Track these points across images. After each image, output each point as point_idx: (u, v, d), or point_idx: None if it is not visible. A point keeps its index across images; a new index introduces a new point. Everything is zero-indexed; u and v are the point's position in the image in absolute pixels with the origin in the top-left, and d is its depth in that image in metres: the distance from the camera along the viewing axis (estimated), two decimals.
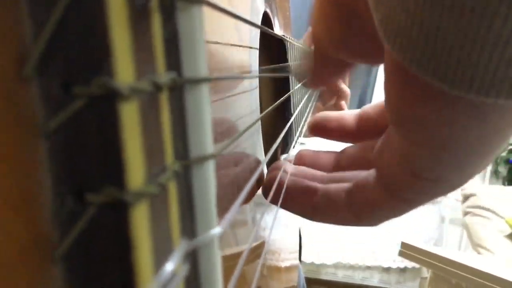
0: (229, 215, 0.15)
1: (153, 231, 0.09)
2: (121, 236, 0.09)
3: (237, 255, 0.24)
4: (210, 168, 0.12)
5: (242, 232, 0.27)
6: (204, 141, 0.12)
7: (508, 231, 1.28)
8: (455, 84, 0.13)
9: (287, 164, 0.27)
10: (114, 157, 0.08)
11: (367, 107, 0.26)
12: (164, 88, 0.09)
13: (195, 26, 0.11)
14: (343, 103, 0.88)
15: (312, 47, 0.23)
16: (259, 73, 0.36)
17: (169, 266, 0.10)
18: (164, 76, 0.09)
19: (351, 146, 0.27)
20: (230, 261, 0.22)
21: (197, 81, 0.11)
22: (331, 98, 0.90)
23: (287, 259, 0.45)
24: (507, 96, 0.12)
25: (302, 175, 0.26)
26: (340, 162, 0.27)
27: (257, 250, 0.30)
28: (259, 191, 0.31)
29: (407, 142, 0.17)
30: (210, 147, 0.12)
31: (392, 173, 0.19)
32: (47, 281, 0.09)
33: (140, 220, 0.09)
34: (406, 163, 0.18)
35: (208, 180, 0.12)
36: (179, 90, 0.11)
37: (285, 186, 0.25)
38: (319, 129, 0.28)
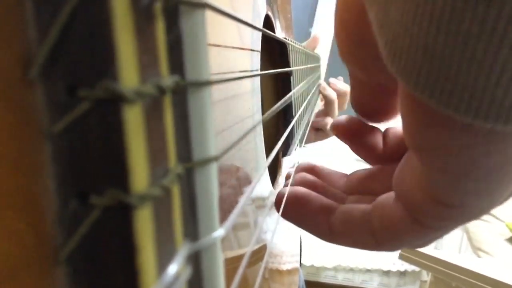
0: (232, 218, 0.15)
1: (156, 233, 0.09)
2: (125, 238, 0.09)
3: (239, 258, 0.24)
4: (213, 170, 0.12)
5: (244, 235, 0.27)
6: (207, 144, 0.12)
7: (508, 234, 1.28)
8: (461, 110, 0.12)
9: (303, 176, 0.26)
10: (118, 160, 0.08)
11: (394, 126, 0.25)
12: (167, 91, 0.09)
13: (198, 30, 0.11)
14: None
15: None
16: (261, 76, 0.36)
17: (173, 268, 0.10)
18: (167, 79, 0.09)
19: (361, 170, 0.25)
20: (232, 264, 0.22)
21: (200, 84, 0.11)
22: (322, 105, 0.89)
23: (289, 262, 0.45)
24: None
25: (320, 190, 0.24)
26: (350, 182, 0.25)
27: (259, 253, 0.30)
28: (260, 193, 0.31)
29: (427, 169, 0.16)
30: (212, 149, 0.12)
31: (414, 199, 0.18)
32: (51, 283, 0.09)
33: (144, 223, 0.09)
34: (427, 189, 0.17)
35: (210, 183, 0.12)
36: (182, 93, 0.11)
37: (299, 201, 0.23)
38: (348, 136, 0.25)
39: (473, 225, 1.33)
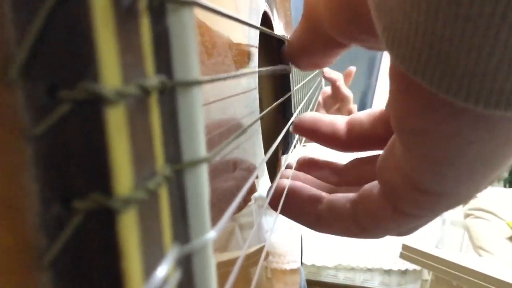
0: (224, 220, 0.15)
1: (142, 237, 0.09)
2: (108, 243, 0.09)
3: (244, 258, 0.24)
4: (203, 171, 0.12)
5: (249, 234, 0.27)
6: (197, 144, 0.12)
7: (509, 233, 1.27)
8: (461, 95, 0.12)
9: (294, 173, 0.26)
10: (100, 162, 0.08)
11: (360, 114, 0.25)
12: (152, 91, 0.09)
13: (186, 28, 0.10)
14: (353, 107, 0.87)
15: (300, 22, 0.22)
16: (259, 74, 0.36)
17: (161, 272, 0.10)
18: (152, 79, 0.09)
19: (357, 159, 0.26)
20: (234, 263, 0.22)
21: (188, 84, 0.11)
22: (335, 103, 0.90)
23: (292, 261, 0.45)
24: None
25: (307, 182, 0.25)
26: (345, 174, 0.26)
27: (261, 252, 0.29)
28: (261, 192, 0.31)
29: (409, 154, 0.16)
30: (203, 150, 0.12)
31: (395, 186, 0.18)
32: None
33: (128, 227, 0.09)
34: (408, 176, 0.17)
35: (201, 184, 0.12)
36: (170, 92, 0.11)
37: (289, 193, 0.24)
38: (308, 130, 0.26)
39: (474, 224, 1.33)
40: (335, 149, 0.26)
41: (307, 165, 0.27)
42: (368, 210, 0.20)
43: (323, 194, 0.23)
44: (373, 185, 0.21)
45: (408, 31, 0.12)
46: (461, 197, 0.17)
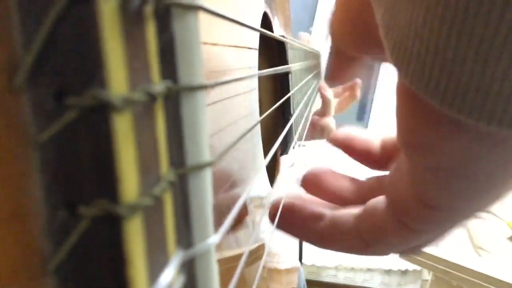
0: (227, 223, 0.15)
1: (147, 243, 0.09)
2: (114, 249, 0.09)
3: (237, 257, 0.24)
4: (207, 176, 0.12)
5: (243, 234, 0.27)
6: (201, 149, 0.12)
7: (509, 233, 1.27)
8: (474, 115, 0.12)
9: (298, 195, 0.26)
10: (107, 169, 0.08)
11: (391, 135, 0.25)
12: (158, 97, 0.09)
13: (191, 33, 0.10)
14: (330, 119, 0.90)
15: (329, 43, 0.22)
16: (258, 75, 0.36)
17: (165, 278, 0.10)
18: (159, 85, 0.09)
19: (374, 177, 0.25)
20: (230, 263, 0.22)
21: (193, 89, 0.11)
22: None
23: (288, 260, 0.45)
24: None
25: (309, 200, 0.25)
26: (361, 191, 0.25)
27: (257, 253, 0.29)
28: (258, 193, 0.31)
29: (417, 168, 0.16)
30: (206, 154, 0.12)
31: (402, 201, 0.18)
32: None
33: (134, 234, 0.09)
34: (415, 191, 0.17)
35: (205, 188, 0.12)
36: (174, 97, 0.11)
37: (288, 211, 0.23)
38: (343, 145, 0.26)
39: (474, 224, 1.33)
40: (369, 166, 0.25)
41: (312, 185, 0.26)
42: (373, 225, 0.20)
43: (325, 211, 0.23)
44: (377, 200, 0.20)
45: (419, 49, 0.12)
46: (469, 213, 0.17)
